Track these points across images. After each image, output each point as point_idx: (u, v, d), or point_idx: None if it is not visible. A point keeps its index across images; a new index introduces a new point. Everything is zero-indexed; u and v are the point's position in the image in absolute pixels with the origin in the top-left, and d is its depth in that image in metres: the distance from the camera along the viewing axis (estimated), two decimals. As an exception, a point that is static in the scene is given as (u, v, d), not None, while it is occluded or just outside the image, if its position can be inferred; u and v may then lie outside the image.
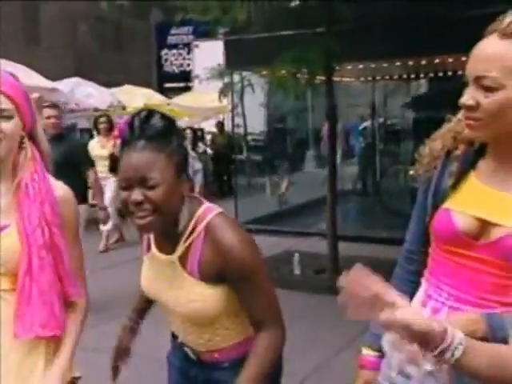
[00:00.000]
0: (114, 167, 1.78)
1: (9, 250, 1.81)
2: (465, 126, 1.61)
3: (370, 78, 12.35)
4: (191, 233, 1.80)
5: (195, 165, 11.25)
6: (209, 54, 16.30)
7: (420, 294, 1.76)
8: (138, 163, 1.67)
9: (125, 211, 1.73)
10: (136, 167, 1.67)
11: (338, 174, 7.61)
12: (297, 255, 6.93)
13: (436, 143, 1.77)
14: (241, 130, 14.86)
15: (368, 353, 1.93)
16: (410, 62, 9.16)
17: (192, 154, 11.25)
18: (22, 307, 1.81)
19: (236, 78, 11.49)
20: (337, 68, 7.53)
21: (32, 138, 1.94)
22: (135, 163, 1.67)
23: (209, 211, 1.81)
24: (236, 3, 7.51)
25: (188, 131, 11.92)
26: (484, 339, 1.42)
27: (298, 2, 8.31)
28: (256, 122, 16.12)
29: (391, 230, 4.98)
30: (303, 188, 11.97)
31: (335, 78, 7.70)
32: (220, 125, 15.59)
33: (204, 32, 17.03)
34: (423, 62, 8.85)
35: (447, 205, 1.67)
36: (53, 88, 10.07)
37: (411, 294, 1.77)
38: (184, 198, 1.79)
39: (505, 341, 1.40)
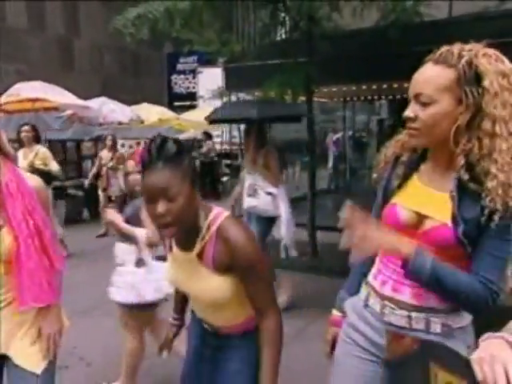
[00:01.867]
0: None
1: (6, 243, 1.82)
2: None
3: (341, 99, 12.38)
4: (206, 234, 1.79)
5: None
6: (210, 79, 16.32)
7: (374, 269, 1.82)
8: (158, 180, 1.66)
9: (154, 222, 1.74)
10: (157, 184, 1.66)
11: (317, 176, 7.64)
12: (283, 242, 6.95)
13: (388, 150, 1.83)
14: (237, 140, 14.84)
15: (336, 313, 1.99)
16: (374, 86, 9.19)
17: None
18: (18, 287, 1.85)
19: (233, 97, 11.51)
20: (315, 90, 7.55)
21: None
22: (156, 181, 1.66)
23: (219, 215, 1.81)
24: (233, 38, 7.52)
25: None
26: None
27: (283, 37, 8.35)
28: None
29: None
30: (288, 187, 11.98)
31: (314, 99, 7.73)
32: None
33: (207, 60, 17.02)
34: (384, 86, 8.89)
35: (394, 200, 1.72)
36: (85, 106, 10.05)
37: (372, 266, 1.85)
38: (198, 206, 1.78)
39: None
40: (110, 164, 9.13)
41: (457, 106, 1.52)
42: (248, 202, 5.14)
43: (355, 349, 1.80)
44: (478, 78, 1.49)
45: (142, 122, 12.39)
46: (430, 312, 1.60)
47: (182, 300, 2.20)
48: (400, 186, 1.72)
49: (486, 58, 1.50)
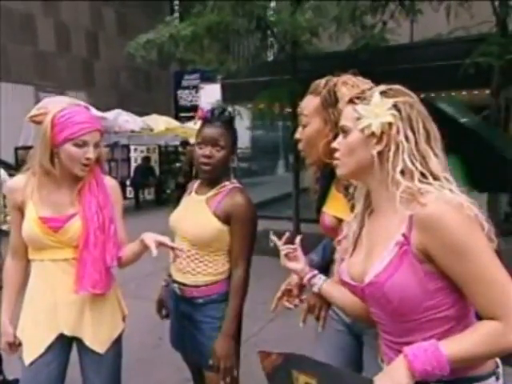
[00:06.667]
0: None
1: (77, 230, 1.78)
2: None
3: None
4: (222, 187, 1.99)
5: None
6: (210, 93, 16.21)
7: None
8: (215, 132, 1.93)
9: (195, 163, 1.98)
10: (213, 134, 1.93)
11: (300, 176, 7.63)
12: (271, 232, 6.87)
13: (311, 168, 1.81)
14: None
15: None
16: (348, 99, 9.19)
17: None
18: (80, 272, 1.78)
19: (229, 109, 11.46)
20: (299, 103, 7.53)
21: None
22: (213, 132, 1.93)
23: (236, 183, 2.04)
24: (229, 58, 7.51)
25: None
26: None
27: (272, 58, 8.34)
28: (243, 140, 16.07)
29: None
30: (276, 185, 11.95)
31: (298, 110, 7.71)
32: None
33: (207, 77, 16.94)
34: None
35: (323, 208, 1.73)
36: (103, 116, 9.97)
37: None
38: (229, 166, 2.03)
39: None
40: None
41: (325, 125, 1.59)
42: None
43: (330, 322, 1.79)
44: (338, 102, 1.56)
45: (152, 130, 12.31)
46: None
47: None
48: (324, 198, 1.73)
49: (344, 86, 1.59)
